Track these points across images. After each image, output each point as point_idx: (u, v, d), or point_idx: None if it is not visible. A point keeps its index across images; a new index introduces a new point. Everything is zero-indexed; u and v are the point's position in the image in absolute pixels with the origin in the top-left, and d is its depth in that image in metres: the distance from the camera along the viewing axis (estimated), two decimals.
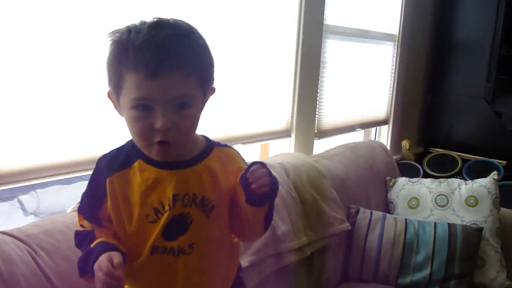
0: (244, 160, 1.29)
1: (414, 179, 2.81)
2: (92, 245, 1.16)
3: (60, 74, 1.70)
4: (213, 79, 1.18)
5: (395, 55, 3.83)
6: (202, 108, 1.17)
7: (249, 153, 2.75)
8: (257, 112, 2.62)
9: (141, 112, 1.07)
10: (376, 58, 3.65)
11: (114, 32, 1.10)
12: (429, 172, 3.82)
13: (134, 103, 1.07)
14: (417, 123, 4.36)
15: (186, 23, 1.13)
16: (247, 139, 2.57)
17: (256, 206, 1.15)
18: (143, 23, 1.09)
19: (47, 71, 1.68)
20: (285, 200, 2.13)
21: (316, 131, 3.05)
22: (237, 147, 2.42)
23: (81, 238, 1.21)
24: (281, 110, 2.79)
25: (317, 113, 3.04)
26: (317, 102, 3.03)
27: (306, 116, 2.92)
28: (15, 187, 1.70)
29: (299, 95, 2.83)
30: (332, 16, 3.02)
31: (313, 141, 3.04)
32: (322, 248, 2.25)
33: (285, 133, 2.84)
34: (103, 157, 1.22)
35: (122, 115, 1.15)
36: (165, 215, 1.15)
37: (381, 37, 3.64)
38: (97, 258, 1.10)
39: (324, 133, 3.14)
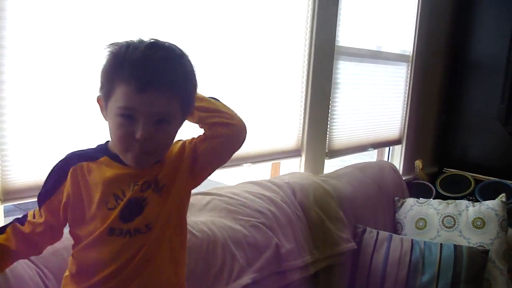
0: (184, 140, 1.38)
1: (422, 200, 2.83)
2: None
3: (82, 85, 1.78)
4: (193, 103, 1.29)
5: (408, 75, 3.86)
6: (179, 127, 1.28)
7: (260, 172, 2.80)
8: (268, 131, 2.67)
9: (125, 120, 1.18)
10: (389, 78, 3.68)
11: (113, 44, 1.21)
12: (441, 192, 3.82)
13: (120, 111, 1.18)
14: (431, 143, 4.37)
15: (179, 48, 1.25)
16: (257, 158, 2.62)
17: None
18: (141, 41, 1.20)
19: (69, 83, 1.76)
20: (290, 219, 2.18)
21: (327, 150, 3.09)
22: (247, 166, 2.49)
23: (16, 219, 1.30)
24: (291, 129, 2.83)
25: (328, 132, 3.08)
26: (328, 122, 3.07)
27: (316, 135, 2.97)
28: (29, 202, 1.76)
29: (310, 115, 2.88)
30: (344, 37, 3.07)
31: (323, 161, 3.08)
32: (327, 267, 2.28)
33: (295, 153, 2.88)
34: (73, 152, 1.32)
35: (106, 120, 1.25)
36: (125, 200, 1.25)
37: (395, 57, 3.67)
38: None
39: (335, 153, 3.17)
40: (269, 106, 2.65)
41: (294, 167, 2.96)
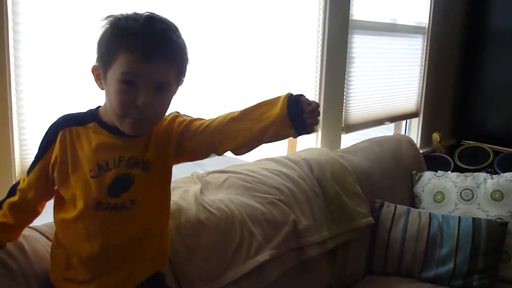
0: (177, 115, 1.40)
1: (440, 173, 2.82)
2: None
3: None
4: (184, 74, 1.33)
5: (424, 47, 3.82)
6: (173, 96, 1.32)
7: (277, 149, 2.80)
8: None
9: (127, 86, 1.22)
10: (405, 50, 3.65)
11: (109, 16, 1.27)
12: (460, 165, 3.80)
13: (123, 77, 1.22)
14: (449, 116, 4.34)
15: (173, 23, 1.30)
16: None
17: (295, 129, 1.23)
18: (137, 14, 1.26)
19: None
20: (307, 195, 2.18)
21: (343, 125, 3.08)
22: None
23: (10, 189, 1.38)
24: None
25: (344, 107, 3.07)
26: (344, 97, 3.06)
27: (333, 110, 2.96)
28: None
29: (325, 90, 2.87)
30: (359, 10, 3.04)
31: (340, 136, 3.07)
32: (345, 242, 2.29)
33: None
34: (64, 115, 1.36)
35: (102, 88, 1.30)
36: (110, 173, 1.29)
37: (410, 30, 3.64)
38: None
39: (351, 127, 3.17)
40: (285, 81, 2.64)
41: (311, 142, 2.95)
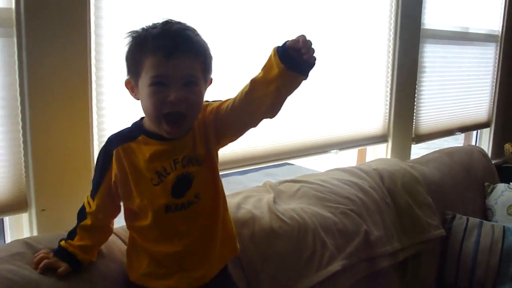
0: (207, 104, 1.44)
1: None
2: (63, 243, 1.41)
3: None
4: (211, 71, 1.39)
5: (497, 55, 3.74)
6: (204, 91, 1.37)
7: (346, 159, 2.81)
8: (354, 117, 2.68)
9: (157, 87, 1.28)
10: (476, 59, 3.59)
11: (130, 32, 1.35)
12: None
13: (152, 80, 1.28)
14: None
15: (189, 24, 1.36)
16: (343, 145, 2.64)
17: (301, 74, 1.28)
18: (155, 23, 1.33)
19: None
20: (379, 205, 2.18)
21: (413, 135, 3.06)
22: (334, 153, 2.51)
23: (79, 214, 1.45)
24: (378, 115, 2.83)
25: (414, 117, 3.05)
26: (415, 106, 3.03)
27: (403, 120, 2.94)
28: None
29: (396, 100, 2.85)
30: (430, 19, 3.01)
31: (410, 146, 3.05)
32: (416, 254, 2.28)
33: (381, 138, 2.87)
34: (111, 136, 1.43)
35: (138, 98, 1.37)
36: (170, 177, 1.36)
37: (482, 38, 3.57)
38: (57, 252, 1.39)
39: (421, 138, 3.14)
40: (355, 92, 2.65)
41: (381, 152, 2.94)
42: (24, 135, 1.63)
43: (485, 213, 2.77)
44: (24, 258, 1.38)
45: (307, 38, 1.25)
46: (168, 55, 1.27)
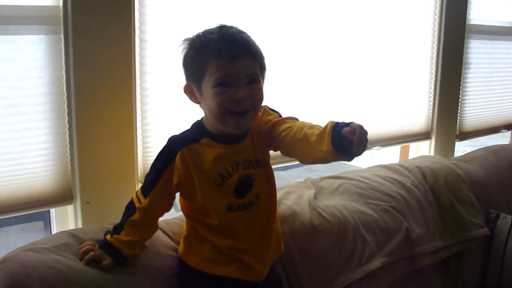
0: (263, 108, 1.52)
1: None
2: (109, 238, 1.46)
3: None
4: (265, 69, 1.45)
5: None
6: (263, 88, 1.43)
7: (389, 156, 2.79)
8: (397, 114, 2.66)
9: (222, 88, 1.34)
10: None
11: (185, 40, 1.42)
12: None
13: (217, 82, 1.34)
14: None
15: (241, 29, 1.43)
16: (386, 142, 2.62)
17: (346, 158, 1.29)
18: (209, 28, 1.40)
19: None
20: (421, 203, 2.16)
21: (457, 132, 3.01)
22: (376, 149, 2.50)
23: (127, 209, 1.49)
24: (421, 112, 2.79)
25: (458, 114, 3.00)
26: (459, 103, 2.99)
27: (447, 117, 2.90)
28: None
29: (439, 96, 2.82)
30: (476, 14, 2.96)
31: (454, 143, 3.01)
32: (458, 253, 2.24)
33: (425, 135, 2.84)
34: (173, 136, 1.48)
35: (198, 102, 1.43)
36: (232, 178, 1.43)
37: None
38: (103, 246, 1.44)
39: (466, 135, 3.09)
40: (398, 88, 2.63)
41: (424, 150, 2.91)
42: (70, 129, 1.68)
43: None
44: (70, 248, 1.43)
45: (364, 130, 1.24)
46: (232, 58, 1.34)
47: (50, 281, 1.30)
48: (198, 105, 1.45)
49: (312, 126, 1.37)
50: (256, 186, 1.47)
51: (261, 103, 1.43)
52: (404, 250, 1.99)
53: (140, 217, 1.46)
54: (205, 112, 1.45)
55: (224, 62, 1.33)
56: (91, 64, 1.66)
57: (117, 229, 1.47)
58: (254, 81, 1.38)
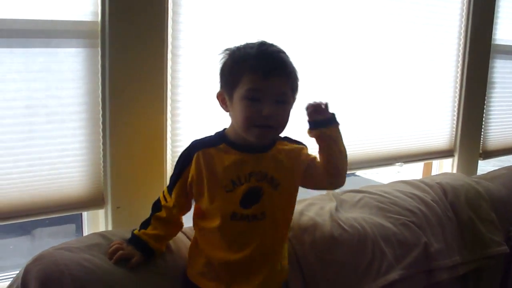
0: (303, 147, 1.63)
1: None
2: (137, 232, 1.55)
3: None
4: (297, 91, 1.52)
5: None
6: (291, 109, 1.50)
7: (412, 172, 2.83)
8: (420, 130, 2.71)
9: (251, 102, 1.40)
10: None
11: (226, 50, 1.49)
12: None
13: (248, 93, 1.40)
14: None
15: (280, 47, 1.50)
16: (409, 158, 2.67)
17: (321, 127, 1.52)
18: (250, 43, 1.47)
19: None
20: (440, 219, 2.20)
21: (480, 151, 3.04)
22: (399, 165, 2.55)
23: (153, 206, 1.57)
24: (444, 129, 2.84)
25: (482, 132, 3.03)
26: (483, 122, 3.02)
27: (470, 135, 2.93)
28: None
29: (463, 114, 2.85)
30: (502, 34, 2.99)
31: (477, 161, 3.04)
32: (477, 270, 2.27)
33: (448, 153, 2.88)
34: (195, 140, 1.54)
35: (227, 110, 1.50)
36: (242, 187, 1.47)
37: None
38: (131, 240, 1.53)
39: (489, 154, 3.11)
40: (422, 105, 2.68)
41: (447, 167, 2.95)
42: (104, 137, 1.78)
43: None
44: (100, 248, 1.51)
45: (317, 102, 1.52)
46: (266, 75, 1.40)
47: (80, 278, 1.38)
48: (227, 114, 1.52)
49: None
50: (264, 203, 1.49)
51: (286, 123, 1.48)
52: (422, 263, 2.03)
53: (166, 215, 1.54)
54: (232, 120, 1.51)
55: (258, 77, 1.40)
56: (125, 77, 1.76)
57: (144, 224, 1.55)
58: (283, 101, 1.44)
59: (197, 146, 1.52)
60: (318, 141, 1.55)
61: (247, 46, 1.46)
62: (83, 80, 1.72)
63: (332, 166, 1.56)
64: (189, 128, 1.93)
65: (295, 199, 1.62)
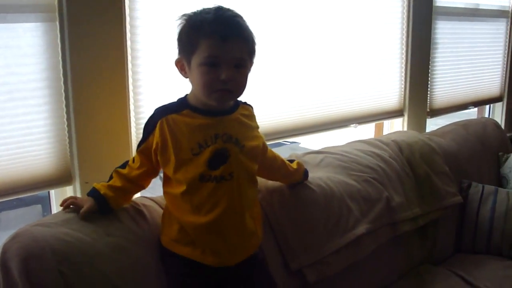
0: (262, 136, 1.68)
1: None
2: (97, 185, 1.56)
3: None
4: (255, 54, 1.53)
5: (508, 30, 3.81)
6: (248, 73, 1.52)
7: (364, 133, 2.91)
8: (372, 93, 2.79)
9: (210, 67, 1.42)
10: (488, 35, 3.67)
11: (183, 15, 1.49)
12: None
13: (206, 60, 1.42)
14: None
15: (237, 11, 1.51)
16: (362, 119, 2.75)
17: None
18: (207, 8, 1.47)
19: None
20: (399, 174, 2.29)
21: (428, 110, 3.16)
22: (353, 126, 2.61)
23: (120, 165, 1.60)
24: (394, 90, 2.93)
25: (429, 92, 3.15)
26: (429, 82, 3.13)
27: (418, 95, 3.04)
28: None
29: (411, 76, 2.96)
30: None
31: (425, 120, 3.15)
32: (435, 220, 2.38)
33: (398, 113, 2.98)
34: (158, 108, 1.55)
35: (187, 76, 1.51)
36: (209, 149, 1.49)
37: (493, 14, 3.64)
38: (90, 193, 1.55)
39: (436, 112, 3.24)
40: (372, 68, 2.76)
41: (397, 126, 3.05)
42: (67, 113, 1.76)
43: (500, 182, 2.86)
44: (78, 221, 1.50)
45: None
46: (224, 39, 1.41)
47: (62, 252, 1.38)
48: (187, 80, 1.53)
49: (286, 165, 1.83)
50: (231, 163, 1.51)
51: (244, 87, 1.50)
52: (386, 217, 2.12)
53: (127, 172, 1.56)
54: (192, 86, 1.52)
55: (215, 42, 1.41)
56: (85, 50, 1.74)
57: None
58: (241, 65, 1.46)
59: (160, 113, 1.53)
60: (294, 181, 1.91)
61: (204, 12, 1.46)
62: (43, 55, 1.69)
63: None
64: (152, 98, 1.93)
65: (258, 159, 1.64)
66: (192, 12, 1.48)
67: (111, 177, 1.57)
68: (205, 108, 1.50)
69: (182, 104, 1.53)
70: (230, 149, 1.51)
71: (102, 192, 1.53)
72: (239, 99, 1.57)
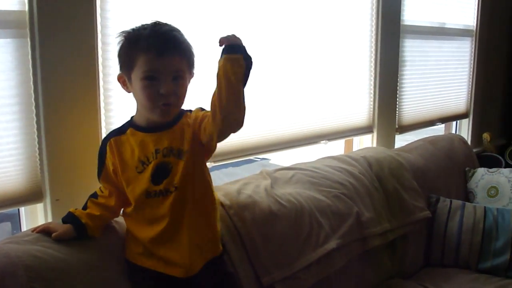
0: (197, 109, 1.62)
1: (493, 169, 2.92)
2: (72, 210, 1.58)
3: None
4: (194, 66, 1.57)
5: (473, 49, 3.91)
6: (188, 83, 1.56)
7: (334, 149, 2.95)
8: (341, 110, 2.82)
9: (149, 81, 1.46)
10: (454, 53, 3.75)
11: (122, 32, 1.53)
12: (511, 164, 3.86)
13: (145, 74, 1.46)
14: (498, 116, 4.39)
15: (175, 26, 1.54)
16: (332, 136, 2.78)
17: (231, 53, 1.44)
18: (144, 24, 1.52)
19: None
20: (368, 189, 2.32)
21: (397, 126, 3.21)
22: (324, 143, 2.64)
23: (91, 196, 1.63)
24: (363, 107, 2.97)
25: (397, 109, 3.20)
26: (397, 99, 3.18)
27: (387, 112, 3.09)
28: None
29: (379, 93, 3.01)
30: (409, 15, 3.17)
31: (394, 136, 3.20)
32: (404, 235, 2.42)
33: (367, 129, 3.02)
34: (109, 131, 1.63)
35: (129, 91, 1.55)
36: (151, 165, 1.52)
37: (458, 32, 3.73)
38: (64, 218, 1.57)
39: (404, 128, 3.29)
40: (341, 86, 2.79)
41: (367, 143, 3.09)
42: (38, 129, 1.74)
43: (467, 196, 2.92)
44: (49, 239, 1.50)
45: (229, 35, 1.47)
46: (160, 54, 1.45)
47: (34, 268, 1.38)
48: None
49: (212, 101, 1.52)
50: (174, 175, 1.52)
51: (184, 97, 1.54)
52: (356, 232, 2.14)
53: (104, 201, 1.60)
54: (136, 102, 1.56)
55: (152, 57, 1.45)
56: (57, 66, 1.73)
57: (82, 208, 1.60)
58: (179, 77, 1.50)
59: (109, 135, 1.60)
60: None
61: (141, 27, 1.51)
62: (14, 71, 1.67)
63: (221, 94, 1.42)
64: (123, 116, 1.92)
65: (203, 168, 1.62)
66: (130, 29, 1.53)
67: (85, 207, 1.60)
68: (147, 124, 1.55)
69: (127, 125, 1.60)
70: (171, 162, 1.53)
71: (83, 221, 1.54)
72: (182, 107, 1.59)
